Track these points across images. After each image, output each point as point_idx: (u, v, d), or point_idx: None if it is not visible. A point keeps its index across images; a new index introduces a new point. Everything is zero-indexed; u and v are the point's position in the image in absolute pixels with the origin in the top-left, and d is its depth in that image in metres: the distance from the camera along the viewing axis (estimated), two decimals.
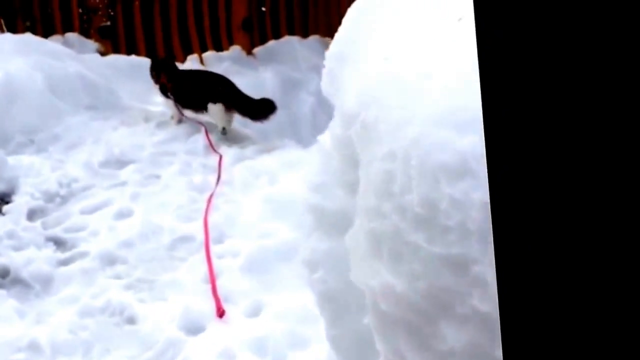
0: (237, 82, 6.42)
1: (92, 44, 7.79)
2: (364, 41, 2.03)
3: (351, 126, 1.62)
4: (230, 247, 4.14)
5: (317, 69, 8.10)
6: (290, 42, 8.91)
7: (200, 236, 4.21)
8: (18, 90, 5.71)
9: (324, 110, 7.48)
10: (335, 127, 1.86)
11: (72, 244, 4.18)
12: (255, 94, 6.28)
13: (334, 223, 2.07)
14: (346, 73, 1.98)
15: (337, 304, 2.07)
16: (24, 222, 4.36)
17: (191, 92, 6.03)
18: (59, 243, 4.20)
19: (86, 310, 3.52)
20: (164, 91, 6.18)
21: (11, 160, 5.05)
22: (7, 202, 4.66)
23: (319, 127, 7.23)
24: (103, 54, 7.73)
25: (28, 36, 6.72)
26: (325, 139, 2.21)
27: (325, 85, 2.76)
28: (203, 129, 5.78)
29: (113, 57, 7.58)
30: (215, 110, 5.91)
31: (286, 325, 3.41)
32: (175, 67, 6.40)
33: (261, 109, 5.88)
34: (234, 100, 5.94)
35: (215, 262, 3.96)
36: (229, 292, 3.72)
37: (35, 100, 5.75)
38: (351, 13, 2.57)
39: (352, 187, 1.76)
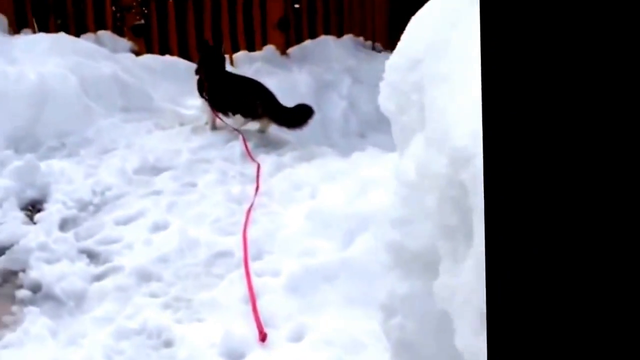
0: (269, 83, 6.22)
1: (125, 43, 7.61)
2: (455, 60, 1.79)
3: (464, 168, 1.38)
4: (270, 264, 3.92)
5: (350, 70, 7.94)
6: (325, 42, 8.74)
7: (239, 252, 3.99)
8: (51, 92, 5.53)
9: (355, 114, 7.28)
10: (435, 163, 1.61)
11: (106, 257, 3.97)
12: (288, 96, 6.08)
13: (416, 264, 1.84)
14: (438, 97, 1.74)
15: (417, 356, 1.84)
16: (56, 233, 4.15)
17: (227, 99, 5.82)
18: (92, 256, 4.00)
19: (122, 331, 3.31)
20: (200, 89, 5.99)
21: (43, 165, 4.86)
22: (39, 210, 4.48)
23: (349, 132, 7.08)
24: (137, 53, 7.55)
25: (62, 36, 6.54)
26: (406, 167, 1.98)
27: (384, 99, 2.53)
28: (240, 136, 5.57)
29: (147, 57, 7.40)
30: (241, 120, 5.74)
31: (332, 353, 3.20)
32: (221, 65, 6.11)
33: (298, 117, 5.67)
34: (271, 113, 5.74)
35: (254, 280, 3.74)
36: (270, 314, 3.49)
37: (68, 102, 5.57)
38: (422, 20, 2.33)
39: (453, 233, 1.53)
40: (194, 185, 4.85)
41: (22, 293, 3.62)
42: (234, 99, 5.79)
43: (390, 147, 6.19)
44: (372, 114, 7.33)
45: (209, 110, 5.89)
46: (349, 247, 3.90)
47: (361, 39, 9.16)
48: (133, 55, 7.28)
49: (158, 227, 4.27)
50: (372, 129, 7.31)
